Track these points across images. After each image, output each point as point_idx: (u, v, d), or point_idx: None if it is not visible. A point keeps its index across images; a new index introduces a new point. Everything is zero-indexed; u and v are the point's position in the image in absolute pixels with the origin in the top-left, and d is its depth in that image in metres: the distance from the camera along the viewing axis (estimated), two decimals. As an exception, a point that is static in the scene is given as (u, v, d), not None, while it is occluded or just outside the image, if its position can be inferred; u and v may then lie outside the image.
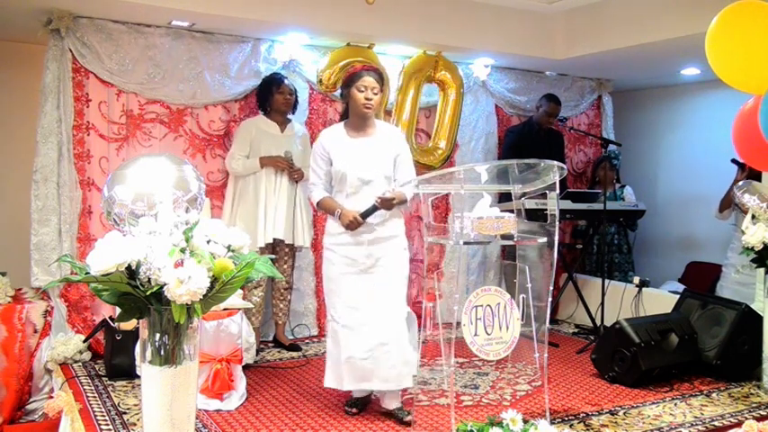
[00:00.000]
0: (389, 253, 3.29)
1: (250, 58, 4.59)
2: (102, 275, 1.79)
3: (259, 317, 4.40)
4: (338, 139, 3.36)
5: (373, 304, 3.23)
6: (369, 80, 3.29)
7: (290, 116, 4.49)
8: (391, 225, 3.31)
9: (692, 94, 6.26)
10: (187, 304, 1.82)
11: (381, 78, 3.43)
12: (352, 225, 3.23)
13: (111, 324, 3.71)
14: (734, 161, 4.96)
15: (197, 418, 2.60)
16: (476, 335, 2.95)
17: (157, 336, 1.92)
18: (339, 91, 3.52)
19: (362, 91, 3.28)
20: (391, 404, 3.29)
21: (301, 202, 4.44)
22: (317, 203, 3.39)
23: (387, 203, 3.20)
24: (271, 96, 4.36)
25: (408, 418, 3.22)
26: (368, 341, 3.19)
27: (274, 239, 4.30)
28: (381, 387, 3.23)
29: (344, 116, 3.46)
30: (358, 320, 3.22)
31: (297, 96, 4.50)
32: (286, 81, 4.42)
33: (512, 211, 3.14)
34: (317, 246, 4.85)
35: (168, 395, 1.93)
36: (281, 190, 4.34)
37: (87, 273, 1.82)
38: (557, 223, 3.10)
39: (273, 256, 2.23)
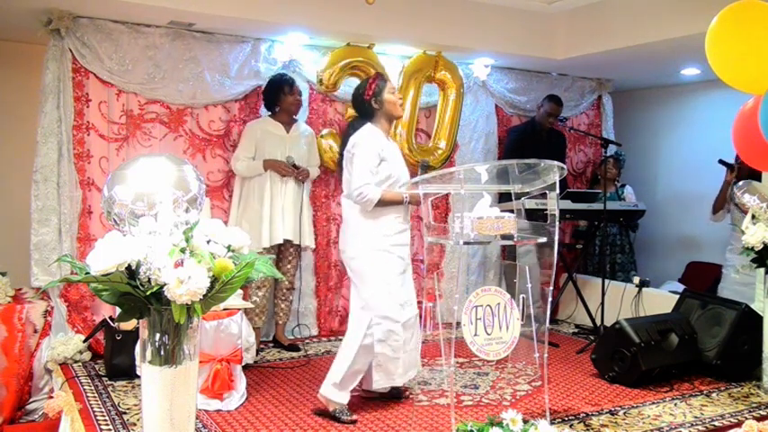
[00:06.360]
0: None
1: (250, 58, 4.59)
2: (102, 275, 1.78)
3: (263, 317, 4.40)
4: (383, 141, 3.37)
5: (411, 297, 3.40)
6: (393, 84, 3.50)
7: (295, 116, 4.52)
8: None
9: (692, 94, 6.25)
10: (187, 304, 1.82)
11: None
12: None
13: (111, 324, 3.71)
14: (721, 161, 4.96)
15: (197, 418, 2.60)
16: (476, 335, 2.95)
17: (157, 336, 1.92)
18: (370, 96, 3.38)
19: (394, 93, 3.41)
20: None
21: (306, 202, 4.45)
22: (380, 199, 3.24)
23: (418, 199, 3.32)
24: (283, 96, 4.37)
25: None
26: (412, 331, 3.35)
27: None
28: (415, 372, 3.47)
29: (363, 118, 3.42)
30: (406, 315, 3.30)
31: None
32: (296, 83, 4.47)
33: (512, 211, 3.14)
34: (317, 246, 4.84)
35: (168, 395, 1.92)
36: (287, 191, 4.36)
37: (87, 273, 1.81)
38: (557, 223, 3.10)
39: (273, 256, 2.23)
